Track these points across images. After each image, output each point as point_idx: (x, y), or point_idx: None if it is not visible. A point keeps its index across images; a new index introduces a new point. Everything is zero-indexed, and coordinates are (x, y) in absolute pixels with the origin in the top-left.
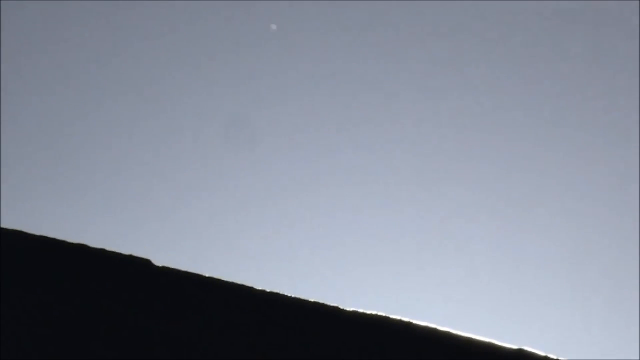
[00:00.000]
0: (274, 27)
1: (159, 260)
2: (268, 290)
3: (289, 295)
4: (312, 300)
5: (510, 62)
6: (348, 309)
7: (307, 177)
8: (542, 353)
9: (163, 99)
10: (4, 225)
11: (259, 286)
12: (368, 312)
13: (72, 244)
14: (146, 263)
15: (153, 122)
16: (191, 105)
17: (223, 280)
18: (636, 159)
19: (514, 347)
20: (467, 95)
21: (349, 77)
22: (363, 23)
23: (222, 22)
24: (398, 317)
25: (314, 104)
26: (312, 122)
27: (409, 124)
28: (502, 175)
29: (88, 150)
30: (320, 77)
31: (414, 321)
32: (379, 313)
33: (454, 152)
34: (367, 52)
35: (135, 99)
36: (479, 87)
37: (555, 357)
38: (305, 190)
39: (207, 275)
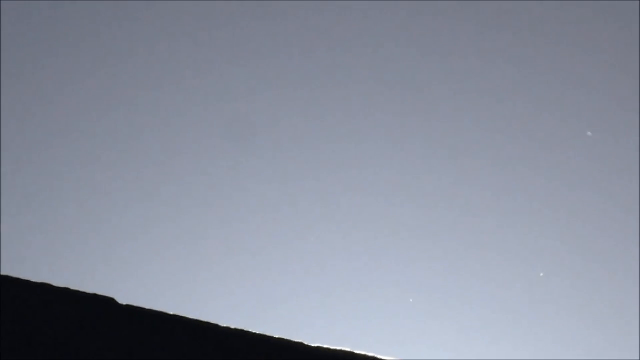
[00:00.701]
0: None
1: (122, 299)
2: (232, 326)
3: (254, 331)
4: (277, 336)
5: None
6: (312, 344)
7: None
8: None
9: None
10: None
11: (223, 323)
12: (332, 347)
13: (35, 282)
14: (110, 301)
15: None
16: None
17: (188, 318)
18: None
19: None
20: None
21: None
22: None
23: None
24: (363, 352)
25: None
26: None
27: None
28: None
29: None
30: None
31: (379, 356)
32: (344, 348)
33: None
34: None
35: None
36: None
37: None
38: (259, 231)
39: (171, 312)
